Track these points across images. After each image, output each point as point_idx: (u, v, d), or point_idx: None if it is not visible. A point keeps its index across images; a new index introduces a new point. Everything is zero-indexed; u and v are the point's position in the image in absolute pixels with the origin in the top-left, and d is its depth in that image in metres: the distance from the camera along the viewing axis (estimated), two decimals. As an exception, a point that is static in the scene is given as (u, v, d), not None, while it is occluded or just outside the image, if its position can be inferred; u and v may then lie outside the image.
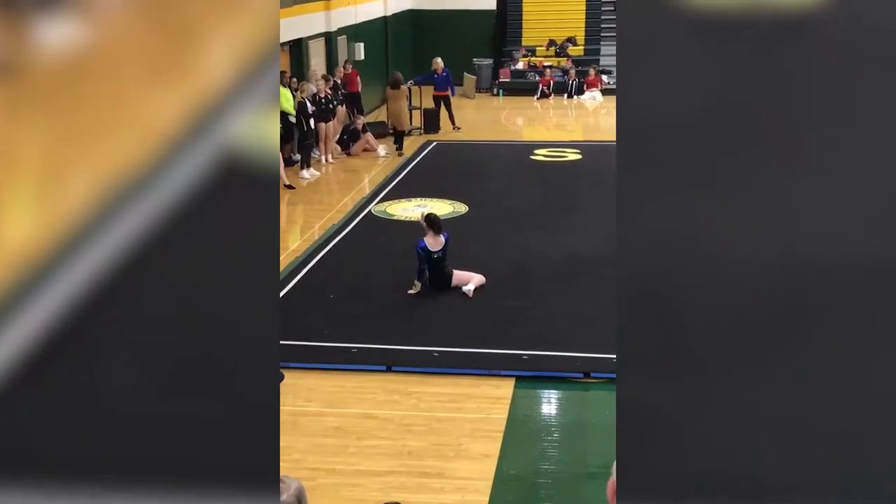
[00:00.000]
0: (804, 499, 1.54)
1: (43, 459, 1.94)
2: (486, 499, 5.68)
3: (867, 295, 1.66)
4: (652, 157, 1.76)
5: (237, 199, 2.18)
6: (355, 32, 19.81)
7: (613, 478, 1.39)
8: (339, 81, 16.37)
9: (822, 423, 1.58)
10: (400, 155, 15.84)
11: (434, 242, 9.05)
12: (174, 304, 2.10)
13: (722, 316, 1.66)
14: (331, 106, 15.27)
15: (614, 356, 7.41)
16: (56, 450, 1.96)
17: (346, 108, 16.74)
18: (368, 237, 11.21)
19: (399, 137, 16.25)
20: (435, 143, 17.02)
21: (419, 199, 12.71)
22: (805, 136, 1.74)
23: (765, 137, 1.75)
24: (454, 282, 9.11)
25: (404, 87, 16.87)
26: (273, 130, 2.33)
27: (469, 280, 9.11)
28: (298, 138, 14.42)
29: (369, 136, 16.22)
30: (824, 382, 1.61)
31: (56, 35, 2.31)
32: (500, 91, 22.93)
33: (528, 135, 19.11)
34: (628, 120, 1.79)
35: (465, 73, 22.66)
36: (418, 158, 15.67)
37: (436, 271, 9.07)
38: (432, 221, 9.13)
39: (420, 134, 17.75)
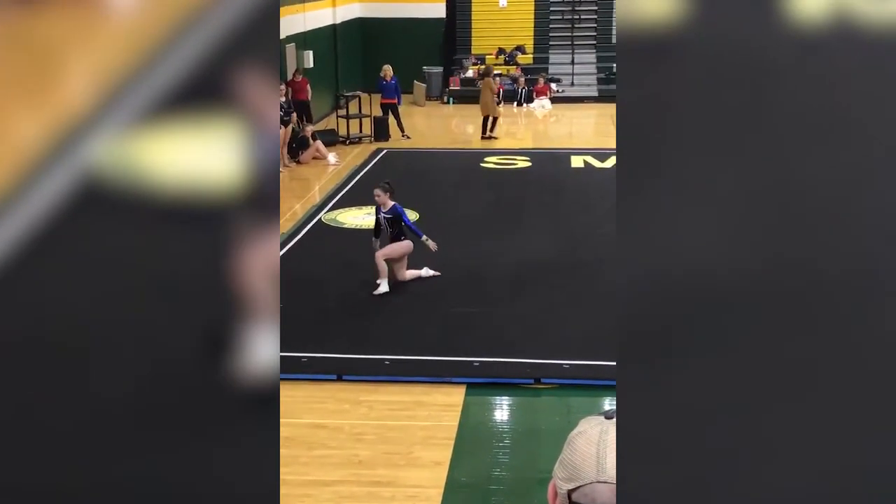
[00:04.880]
0: None
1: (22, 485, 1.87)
2: (438, 507, 5.66)
3: (735, 313, 1.66)
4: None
5: (102, 223, 2.14)
6: (304, 40, 19.71)
7: (554, 481, 1.38)
8: (289, 91, 16.29)
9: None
10: (490, 139, 18.06)
11: (386, 203, 9.46)
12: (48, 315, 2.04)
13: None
14: (280, 112, 15.19)
15: (564, 362, 7.50)
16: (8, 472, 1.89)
17: (296, 116, 16.66)
18: (319, 245, 11.15)
19: (484, 122, 18.26)
20: (385, 150, 17.00)
21: (369, 207, 12.64)
22: (669, 155, 1.74)
23: (630, 157, 1.73)
24: (409, 276, 9.60)
25: (488, 79, 18.32)
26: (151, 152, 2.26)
27: (418, 273, 9.69)
28: None
29: (319, 143, 16.14)
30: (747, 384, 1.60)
31: None
32: (450, 99, 22.99)
33: (478, 142, 19.16)
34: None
35: (415, 81, 22.68)
36: (368, 166, 15.63)
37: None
38: (389, 186, 9.58)
39: (370, 142, 17.72)
